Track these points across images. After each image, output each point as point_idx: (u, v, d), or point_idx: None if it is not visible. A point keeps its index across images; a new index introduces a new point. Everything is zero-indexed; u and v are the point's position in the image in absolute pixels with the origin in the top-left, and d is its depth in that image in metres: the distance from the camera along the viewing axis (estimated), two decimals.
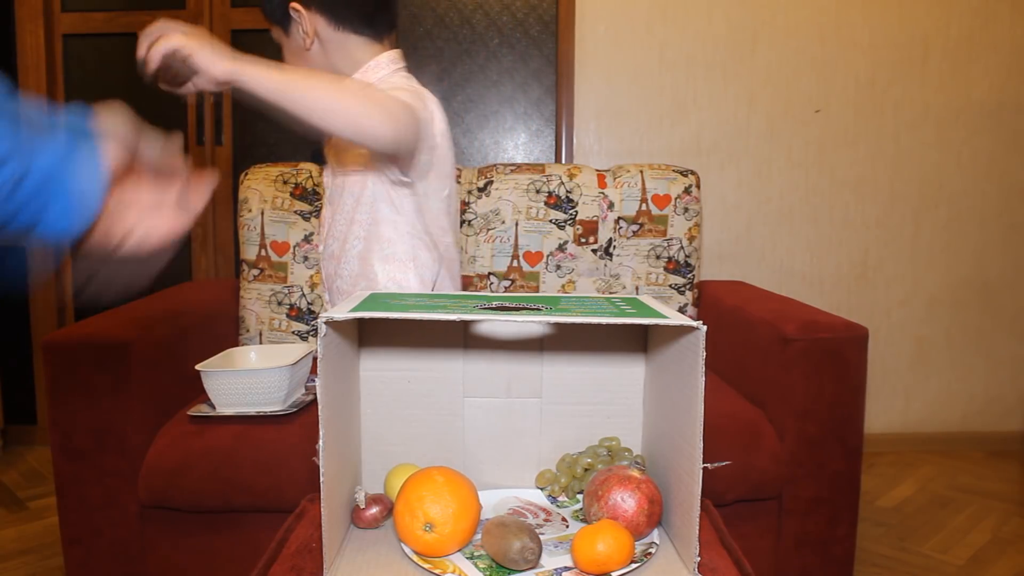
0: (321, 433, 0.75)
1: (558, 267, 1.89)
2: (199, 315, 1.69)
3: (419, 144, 1.07)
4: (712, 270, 2.50)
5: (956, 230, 2.50)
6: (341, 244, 1.21)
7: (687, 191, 1.90)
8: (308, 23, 1.09)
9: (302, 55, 1.13)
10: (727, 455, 1.38)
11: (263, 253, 1.90)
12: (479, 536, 0.85)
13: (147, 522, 1.40)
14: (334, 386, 0.81)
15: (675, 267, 1.91)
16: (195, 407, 1.48)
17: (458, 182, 1.91)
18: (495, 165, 1.95)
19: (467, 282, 1.90)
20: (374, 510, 0.89)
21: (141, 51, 0.93)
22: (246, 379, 1.42)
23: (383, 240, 1.16)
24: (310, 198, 1.89)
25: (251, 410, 1.44)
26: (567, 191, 1.89)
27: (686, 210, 1.90)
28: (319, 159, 1.30)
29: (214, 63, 0.91)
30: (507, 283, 1.90)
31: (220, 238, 2.50)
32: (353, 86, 0.97)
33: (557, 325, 0.98)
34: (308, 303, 1.88)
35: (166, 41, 0.90)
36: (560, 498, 0.98)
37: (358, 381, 0.97)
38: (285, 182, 1.90)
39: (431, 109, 1.11)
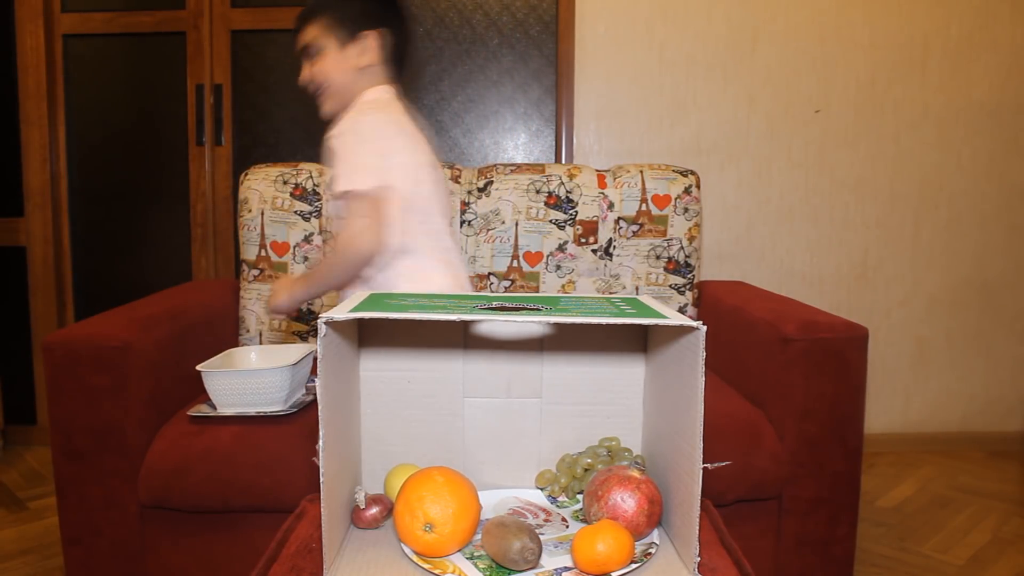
0: (321, 433, 0.75)
1: (558, 267, 1.89)
2: (199, 315, 1.69)
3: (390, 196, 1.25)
4: (712, 270, 2.50)
5: (956, 230, 2.50)
6: None
7: (687, 191, 1.90)
8: (368, 54, 1.26)
9: (341, 68, 1.28)
10: (727, 455, 1.38)
11: (263, 253, 1.90)
12: (479, 536, 0.85)
13: (147, 522, 1.40)
14: (334, 386, 0.81)
15: (675, 267, 1.91)
16: (195, 407, 1.48)
17: (458, 182, 1.91)
18: (495, 165, 1.95)
19: None
20: (374, 510, 0.89)
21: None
22: (246, 379, 1.42)
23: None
24: (310, 198, 1.89)
25: (251, 410, 1.44)
26: (567, 191, 1.89)
27: (686, 210, 1.90)
28: None
29: (278, 306, 1.34)
30: (507, 283, 1.90)
31: (220, 238, 2.50)
32: (333, 259, 1.26)
33: (557, 325, 0.98)
34: (308, 304, 1.88)
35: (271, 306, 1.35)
36: (560, 498, 0.98)
37: (358, 381, 0.97)
38: (285, 182, 1.90)
39: (395, 127, 1.26)
